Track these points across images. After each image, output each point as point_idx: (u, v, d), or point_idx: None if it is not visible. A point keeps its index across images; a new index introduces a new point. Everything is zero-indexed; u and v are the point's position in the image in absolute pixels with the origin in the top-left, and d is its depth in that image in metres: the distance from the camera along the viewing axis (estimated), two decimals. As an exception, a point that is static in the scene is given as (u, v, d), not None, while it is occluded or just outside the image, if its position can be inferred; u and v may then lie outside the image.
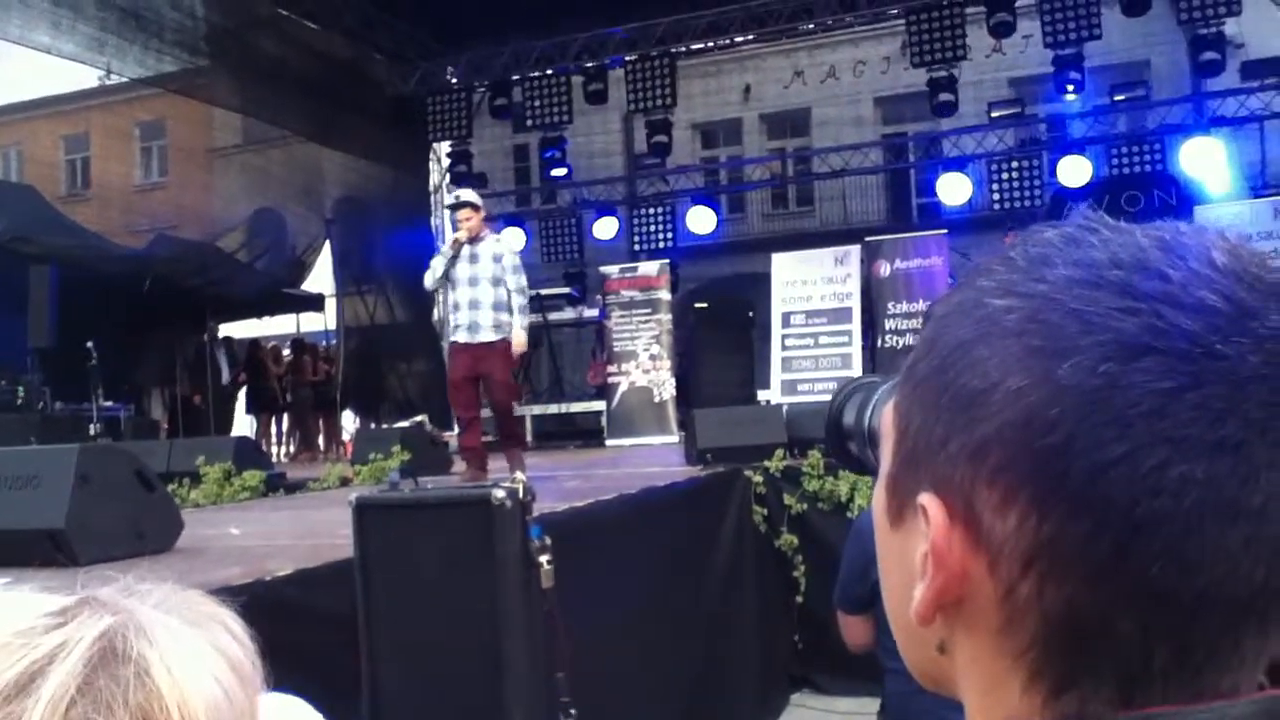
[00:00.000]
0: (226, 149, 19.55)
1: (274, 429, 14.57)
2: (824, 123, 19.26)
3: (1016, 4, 11.91)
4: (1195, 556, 0.43)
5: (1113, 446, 0.43)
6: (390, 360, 14.52)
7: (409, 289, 12.55)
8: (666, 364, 11.32)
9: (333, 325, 14.86)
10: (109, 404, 10.55)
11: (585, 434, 11.91)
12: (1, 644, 0.49)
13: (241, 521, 5.02)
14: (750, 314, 12.21)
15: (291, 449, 14.34)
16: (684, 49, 14.13)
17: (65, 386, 10.29)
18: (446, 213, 7.00)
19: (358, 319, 14.40)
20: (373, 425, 13.13)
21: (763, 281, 11.98)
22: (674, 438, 10.26)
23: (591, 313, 12.82)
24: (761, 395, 11.14)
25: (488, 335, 6.40)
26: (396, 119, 14.18)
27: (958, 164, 13.50)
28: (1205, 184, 12.25)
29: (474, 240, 6.51)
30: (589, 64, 13.68)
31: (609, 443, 11.04)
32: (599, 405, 11.80)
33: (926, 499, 0.48)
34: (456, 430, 7.14)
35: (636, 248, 14.53)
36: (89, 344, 9.49)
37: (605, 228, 14.68)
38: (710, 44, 15.03)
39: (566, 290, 13.92)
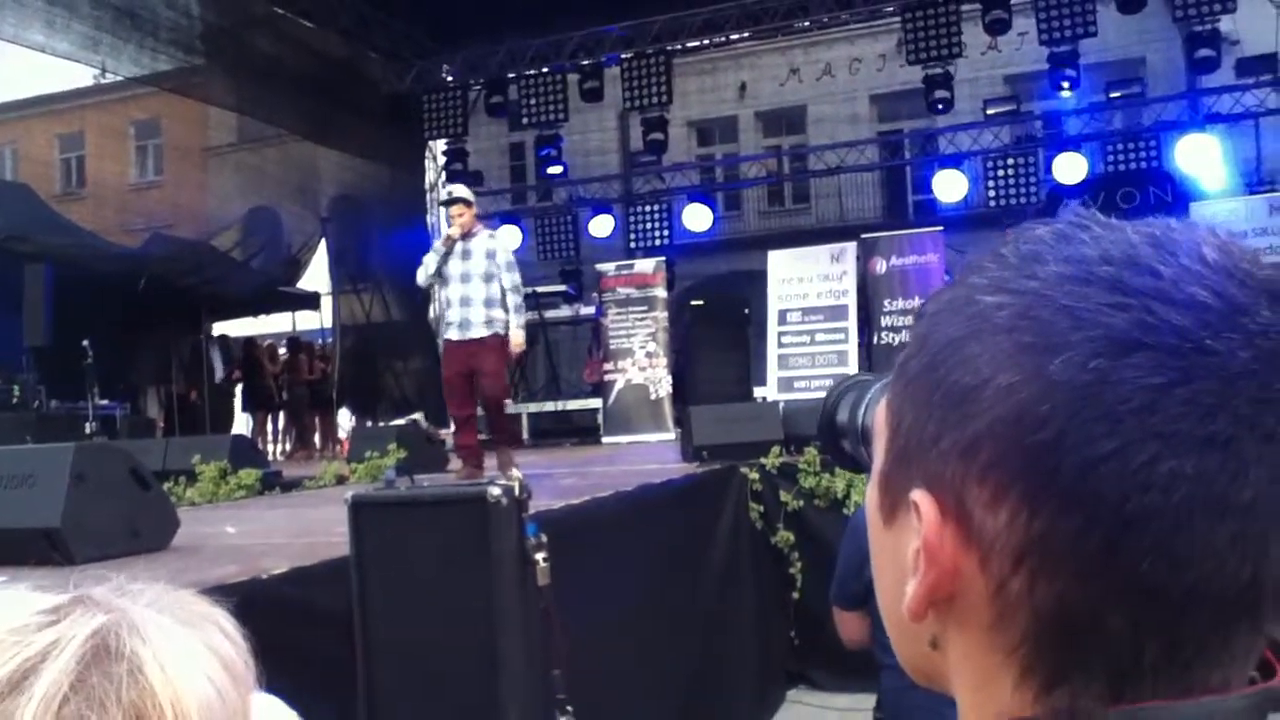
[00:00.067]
0: (222, 148, 19.51)
1: (270, 427, 14.55)
2: (820, 120, 19.27)
3: (1012, 1, 11.92)
4: (1184, 552, 0.43)
5: (1103, 442, 0.43)
6: (386, 358, 14.51)
7: (405, 287, 12.54)
8: (663, 361, 11.32)
9: (328, 323, 14.85)
10: (104, 403, 10.53)
11: (581, 431, 11.92)
12: (-6, 642, 0.49)
13: (237, 520, 5.01)
14: (746, 311, 12.20)
15: (287, 447, 14.32)
16: (679, 46, 14.14)
17: (61, 385, 10.28)
18: (442, 211, 6.95)
19: (353, 317, 14.39)
20: (369, 423, 13.13)
21: (759, 279, 11.98)
22: (670, 435, 10.27)
23: (588, 310, 12.82)
24: (758, 392, 11.14)
25: (479, 332, 6.36)
26: (392, 117, 14.17)
27: (953, 161, 13.52)
28: (1200, 181, 12.27)
29: (466, 236, 6.47)
30: (585, 62, 13.67)
31: (605, 440, 11.04)
32: (595, 403, 11.81)
33: (918, 496, 0.48)
34: (452, 428, 7.13)
35: (632, 245, 14.53)
36: (84, 343, 9.47)
37: (601, 225, 14.68)
38: (706, 41, 15.04)
39: (562, 288, 13.93)
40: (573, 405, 12.51)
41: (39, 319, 9.90)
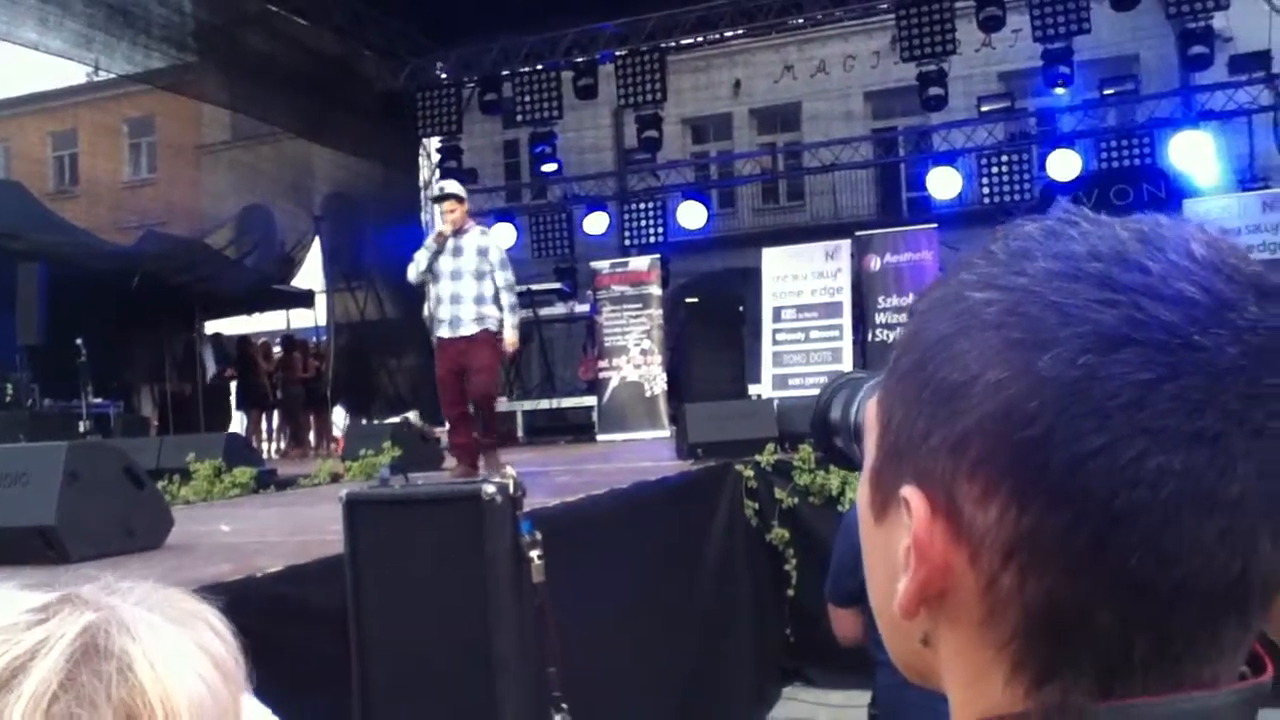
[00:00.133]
0: (215, 145, 19.47)
1: (264, 425, 14.54)
2: (814, 117, 19.28)
3: (1006, -2, 11.94)
4: (1173, 548, 0.43)
5: (1092, 438, 0.43)
6: (380, 356, 14.50)
7: (399, 285, 12.47)
8: (657, 359, 11.32)
9: (323, 321, 14.83)
10: (98, 401, 10.52)
11: (576, 429, 11.92)
12: (-17, 640, 0.49)
13: (232, 518, 5.01)
14: (741, 309, 12.23)
15: (282, 445, 14.31)
16: (674, 44, 14.13)
17: (54, 384, 10.26)
18: (436, 208, 6.92)
19: (348, 315, 14.37)
20: (363, 421, 13.13)
21: (753, 276, 12.00)
22: (665, 432, 10.27)
23: (582, 308, 12.81)
24: (752, 389, 11.16)
25: (469, 329, 6.32)
26: (386, 115, 14.15)
27: (947, 158, 13.52)
28: (1194, 177, 12.30)
29: (458, 233, 6.42)
30: (579, 59, 13.66)
31: (600, 438, 11.05)
32: (590, 400, 11.81)
33: (909, 492, 0.48)
34: (447, 426, 7.12)
35: (627, 243, 14.52)
36: (78, 341, 9.46)
37: (596, 223, 14.67)
38: (700, 39, 15.04)
39: (557, 286, 13.91)
40: (567, 403, 12.51)
41: (32, 317, 9.88)
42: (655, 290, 11.66)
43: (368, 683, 3.01)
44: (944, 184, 13.23)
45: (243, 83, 12.33)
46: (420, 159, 15.71)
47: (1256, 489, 0.43)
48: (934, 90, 12.43)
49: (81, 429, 9.22)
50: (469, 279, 6.37)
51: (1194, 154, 12.19)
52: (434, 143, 15.19)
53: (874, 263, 10.88)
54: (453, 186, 6.79)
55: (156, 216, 16.22)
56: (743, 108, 20.47)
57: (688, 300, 12.61)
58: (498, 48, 13.78)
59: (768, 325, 11.15)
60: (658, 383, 11.21)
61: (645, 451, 8.43)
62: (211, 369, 14.16)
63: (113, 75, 12.15)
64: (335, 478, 7.09)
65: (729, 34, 14.91)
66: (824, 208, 18.57)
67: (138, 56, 11.08)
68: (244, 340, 14.57)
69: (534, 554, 3.03)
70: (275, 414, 14.57)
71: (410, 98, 14.27)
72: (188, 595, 0.58)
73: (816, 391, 0.90)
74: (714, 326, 11.74)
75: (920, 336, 0.50)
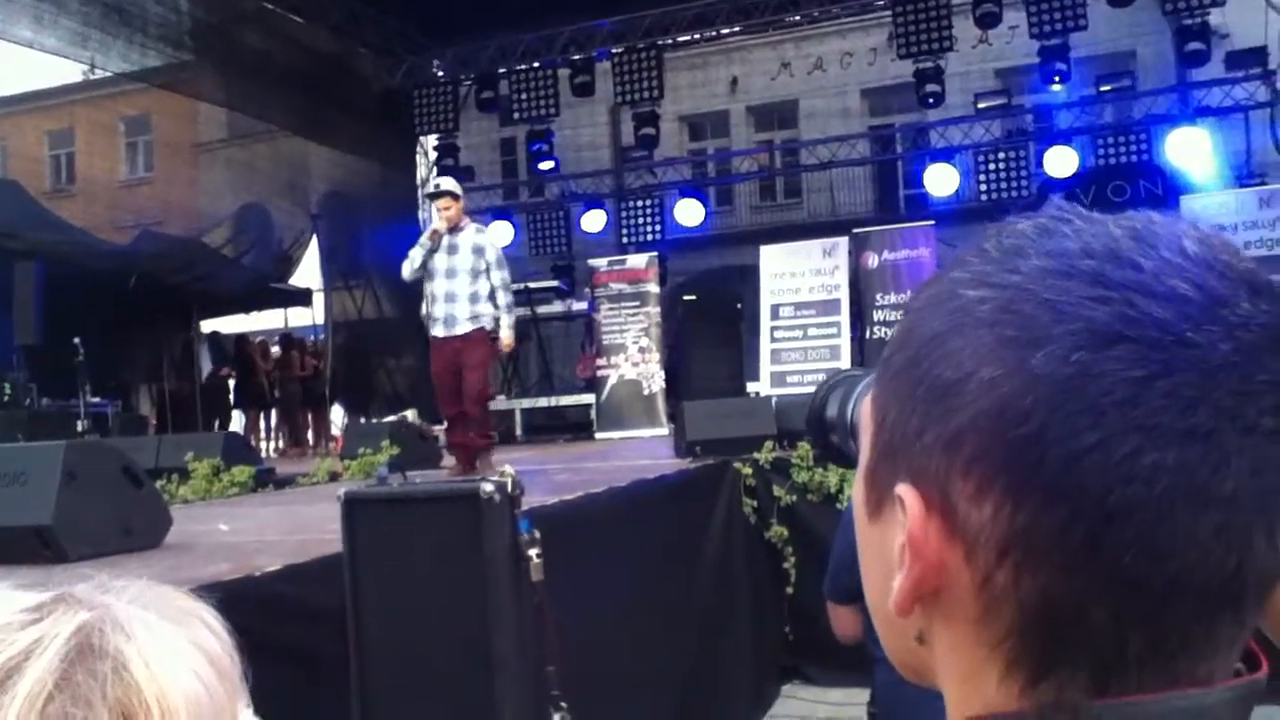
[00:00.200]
0: (212, 144, 19.46)
1: (263, 424, 14.53)
2: (811, 114, 19.27)
3: (1002, -5, 11.94)
4: (1166, 544, 0.43)
5: (1085, 435, 0.43)
6: (378, 354, 14.50)
7: (396, 283, 12.44)
8: (655, 357, 11.32)
9: (321, 320, 14.82)
10: (96, 400, 10.52)
11: (575, 427, 11.91)
12: (-24, 641, 0.49)
13: (230, 517, 5.00)
14: (739, 306, 12.22)
15: (280, 444, 14.31)
16: (670, 41, 14.14)
17: (52, 383, 10.26)
18: (433, 205, 6.89)
19: (345, 314, 14.36)
20: (362, 420, 13.12)
21: (751, 273, 12.00)
22: (663, 430, 10.27)
23: (580, 306, 12.80)
24: (750, 387, 11.16)
25: (464, 328, 6.29)
26: (383, 113, 14.14)
27: (945, 155, 13.53)
28: (1190, 174, 12.30)
29: (454, 230, 6.38)
30: (575, 57, 13.66)
31: (598, 436, 11.05)
32: (588, 398, 11.80)
33: (903, 490, 0.48)
34: (445, 425, 7.12)
35: (625, 240, 14.53)
36: (75, 340, 9.45)
37: (593, 220, 14.67)
38: (697, 36, 15.03)
39: (555, 283, 13.89)
40: (566, 401, 12.51)
41: (29, 317, 9.87)
42: (653, 288, 11.67)
43: (367, 682, 3.01)
44: (941, 181, 13.24)
45: (239, 81, 12.32)
46: (417, 157, 15.71)
47: (1250, 485, 0.43)
48: (931, 87, 12.43)
49: (79, 428, 9.22)
50: (464, 277, 6.33)
51: (1191, 150, 12.21)
52: (431, 141, 15.18)
53: (871, 260, 10.89)
54: (448, 183, 6.77)
55: (153, 215, 16.22)
56: (740, 105, 20.46)
57: (685, 298, 12.60)
58: (494, 45, 13.78)
59: (766, 322, 11.15)
60: (656, 380, 11.22)
61: (644, 449, 8.43)
62: (207, 368, 14.15)
63: (109, 74, 12.15)
64: (334, 476, 7.08)
65: (726, 31, 14.92)
66: (821, 205, 18.57)
67: (134, 55, 11.07)
68: (242, 339, 14.56)
69: (533, 552, 3.03)
70: (273, 413, 14.57)
71: (407, 96, 14.26)
72: (182, 593, 0.58)
73: (815, 389, 0.91)
74: (712, 324, 11.74)
75: (914, 334, 0.50)
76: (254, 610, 2.74)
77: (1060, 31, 11.86)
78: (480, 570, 2.97)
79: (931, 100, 12.61)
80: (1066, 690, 0.46)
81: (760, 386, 10.87)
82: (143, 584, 0.56)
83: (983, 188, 13.18)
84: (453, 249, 6.37)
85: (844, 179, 17.80)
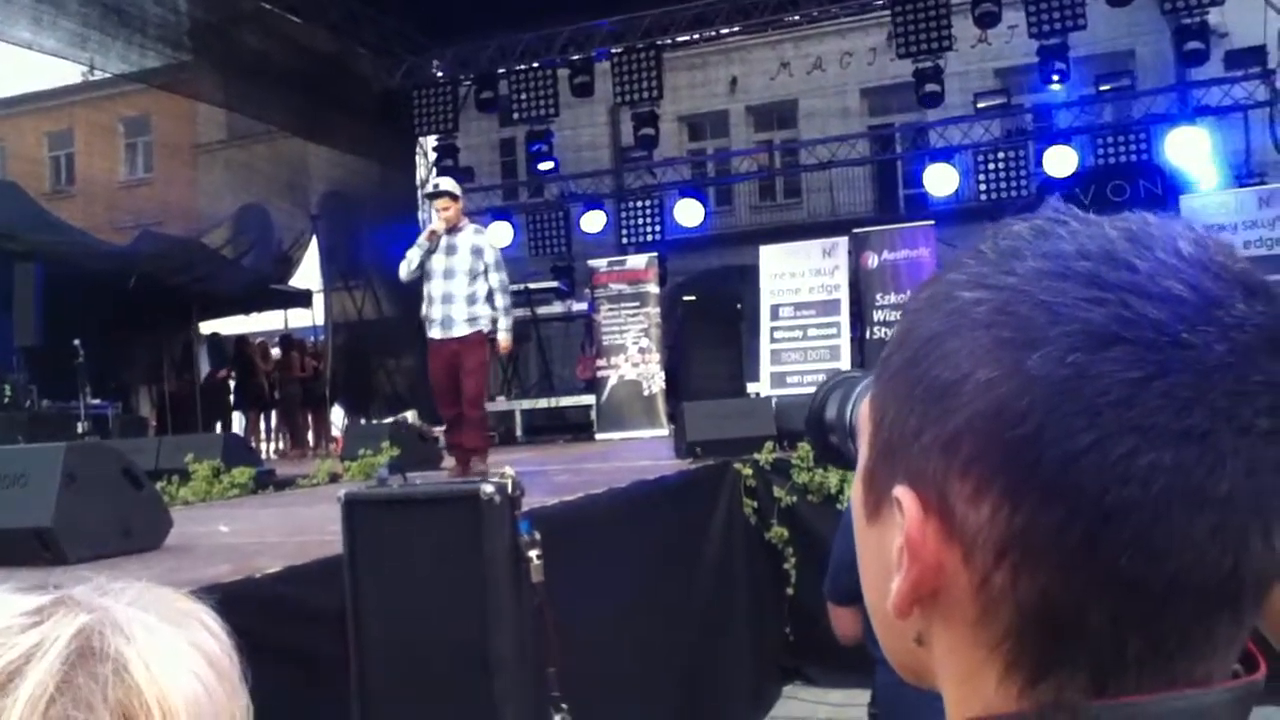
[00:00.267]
0: (211, 144, 19.47)
1: (263, 425, 14.54)
2: (811, 114, 19.28)
3: (1001, -5, 11.95)
4: (1163, 545, 0.43)
5: (1082, 436, 0.43)
6: (378, 355, 14.50)
7: (396, 284, 12.49)
8: (655, 357, 11.32)
9: (321, 321, 14.83)
10: (96, 402, 10.52)
11: (575, 428, 11.92)
12: (-23, 644, 0.49)
13: (231, 519, 5.00)
14: (738, 306, 12.23)
15: (281, 445, 14.31)
16: (670, 41, 14.14)
17: (52, 384, 10.26)
18: (434, 210, 6.85)
19: (345, 314, 14.36)
20: (362, 421, 13.12)
21: (751, 274, 12.00)
22: (664, 431, 10.28)
23: (580, 306, 12.81)
24: (750, 388, 11.17)
25: (461, 330, 6.26)
26: (382, 113, 14.14)
27: (944, 155, 13.53)
28: (1190, 173, 12.31)
29: (452, 231, 6.34)
30: (575, 57, 13.67)
31: (598, 436, 11.05)
32: (588, 399, 11.81)
33: (901, 491, 0.48)
34: (444, 427, 7.11)
35: (624, 241, 14.53)
36: (75, 342, 9.44)
37: (593, 221, 14.67)
38: (696, 36, 15.04)
39: (554, 284, 13.91)
40: (566, 402, 12.51)
41: (29, 318, 9.87)
42: (653, 288, 11.67)
43: (367, 683, 3.01)
44: (941, 181, 13.25)
45: (238, 82, 12.32)
46: (417, 157, 15.71)
47: (1245, 486, 0.43)
48: (930, 87, 12.44)
49: (80, 430, 9.21)
50: (462, 278, 6.29)
51: (1190, 150, 12.21)
52: (430, 141, 15.18)
53: (871, 260, 10.89)
54: (447, 184, 6.73)
55: (153, 216, 16.22)
56: (739, 105, 20.47)
57: (685, 298, 12.61)
58: (494, 45, 13.78)
59: (765, 323, 11.16)
60: (656, 381, 11.22)
61: (644, 450, 8.43)
62: (206, 370, 14.16)
63: (108, 74, 12.15)
64: (334, 478, 7.08)
65: (725, 31, 14.92)
66: (821, 205, 18.58)
67: (133, 55, 11.07)
68: (242, 340, 14.56)
69: (533, 553, 3.03)
70: (273, 414, 14.57)
71: (406, 96, 14.27)
72: (181, 595, 0.58)
73: (814, 389, 0.91)
74: (712, 324, 11.75)
75: (912, 335, 0.50)
76: (254, 612, 2.74)
77: (1059, 31, 11.87)
78: (480, 571, 2.97)
79: (931, 100, 12.62)
80: (1065, 691, 0.46)
81: (760, 387, 10.87)
82: (142, 586, 0.56)
83: (982, 187, 13.19)
84: (451, 250, 6.34)
85: (843, 179, 17.81)
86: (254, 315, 15.83)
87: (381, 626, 3.02)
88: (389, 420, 10.16)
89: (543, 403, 12.58)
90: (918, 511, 0.48)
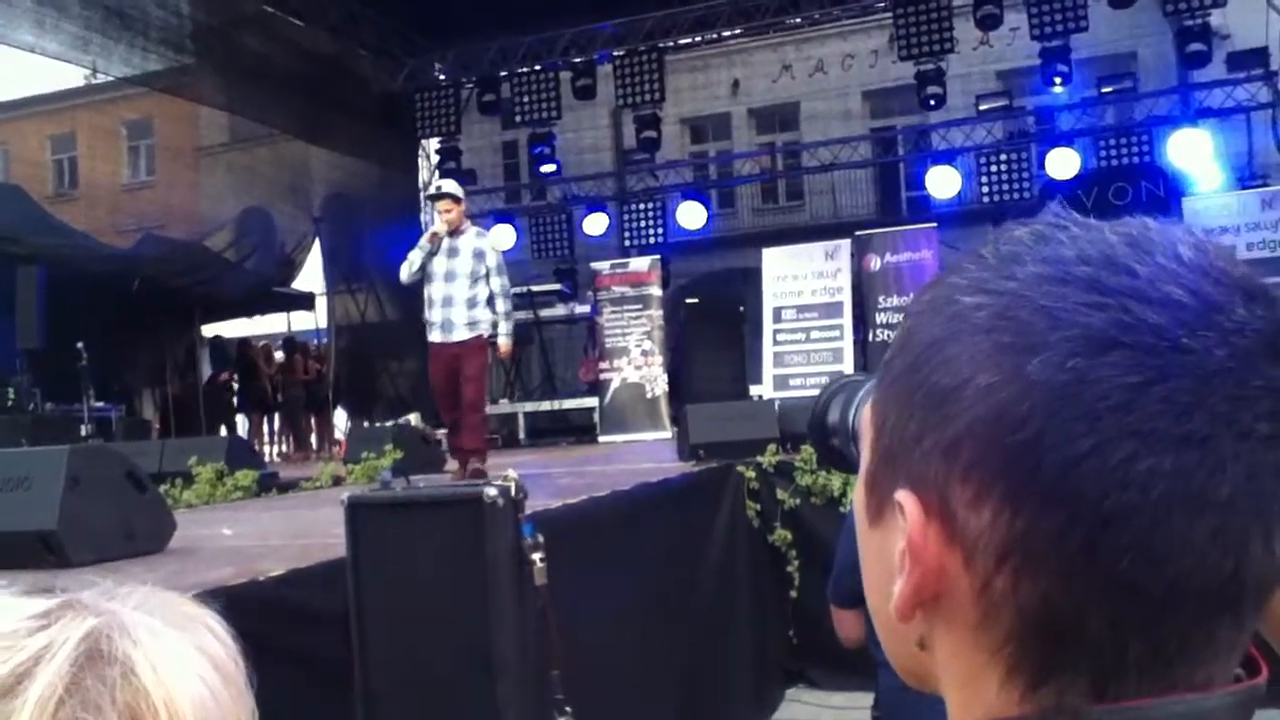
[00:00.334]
0: (213, 148, 19.51)
1: (266, 428, 14.54)
2: (813, 117, 19.28)
3: (1003, -3, 11.95)
4: (1163, 549, 0.43)
5: (1082, 440, 0.43)
6: (381, 358, 14.50)
7: (399, 287, 12.51)
8: (658, 360, 11.33)
9: (324, 324, 14.84)
10: (100, 404, 10.53)
11: (578, 430, 11.92)
12: (-14, 647, 0.50)
13: (234, 522, 5.01)
14: (741, 309, 12.23)
15: (284, 448, 14.31)
16: (672, 44, 14.14)
17: (56, 387, 10.27)
18: (436, 212, 6.82)
19: (348, 317, 14.37)
20: (365, 424, 13.13)
21: (753, 276, 12.00)
22: (667, 433, 10.27)
23: (583, 309, 12.82)
24: (753, 390, 11.16)
25: (461, 334, 6.22)
26: (384, 116, 14.15)
27: (946, 157, 13.53)
28: (1192, 175, 12.29)
29: (454, 233, 6.30)
30: (577, 59, 13.67)
31: (602, 439, 11.05)
32: (591, 402, 11.81)
33: (902, 495, 0.49)
34: (446, 430, 7.11)
35: (627, 243, 14.53)
36: (79, 345, 9.45)
37: (595, 224, 14.68)
38: (698, 39, 15.04)
39: (557, 287, 13.91)
40: (569, 404, 12.52)
41: (32, 321, 9.89)
42: (655, 291, 11.67)
43: (370, 686, 3.01)
44: (943, 183, 13.24)
45: (240, 85, 12.34)
46: (419, 160, 15.72)
47: (1246, 490, 0.43)
48: (932, 89, 12.44)
49: (83, 433, 9.22)
50: (463, 281, 6.25)
51: (1193, 152, 12.20)
52: (433, 144, 15.19)
53: (874, 262, 10.89)
54: (450, 186, 6.69)
55: (155, 219, 16.25)
56: (741, 107, 20.48)
57: (688, 301, 12.61)
58: (495, 48, 13.79)
59: (768, 325, 11.15)
60: (659, 384, 11.22)
61: (647, 453, 8.43)
62: (208, 372, 14.17)
63: (110, 78, 12.16)
64: (337, 480, 7.08)
65: (727, 34, 14.91)
66: (823, 207, 18.58)
67: (135, 59, 11.08)
68: (245, 343, 14.57)
69: (536, 556, 3.03)
70: (276, 417, 14.58)
71: (409, 98, 14.28)
72: (186, 599, 0.59)
73: (817, 392, 0.91)
74: (714, 327, 11.75)
75: (913, 340, 0.50)
76: (257, 614, 2.74)
77: (1061, 33, 11.86)
78: (483, 574, 2.97)
79: (933, 102, 12.62)
80: (1066, 695, 0.46)
81: (763, 389, 10.87)
82: (147, 591, 0.57)
83: (985, 190, 13.18)
84: (453, 252, 6.29)
85: (846, 181, 17.81)
86: (257, 318, 15.84)
87: (385, 629, 3.02)
88: (392, 423, 10.17)
89: (546, 405, 12.59)
90: (919, 516, 0.48)
